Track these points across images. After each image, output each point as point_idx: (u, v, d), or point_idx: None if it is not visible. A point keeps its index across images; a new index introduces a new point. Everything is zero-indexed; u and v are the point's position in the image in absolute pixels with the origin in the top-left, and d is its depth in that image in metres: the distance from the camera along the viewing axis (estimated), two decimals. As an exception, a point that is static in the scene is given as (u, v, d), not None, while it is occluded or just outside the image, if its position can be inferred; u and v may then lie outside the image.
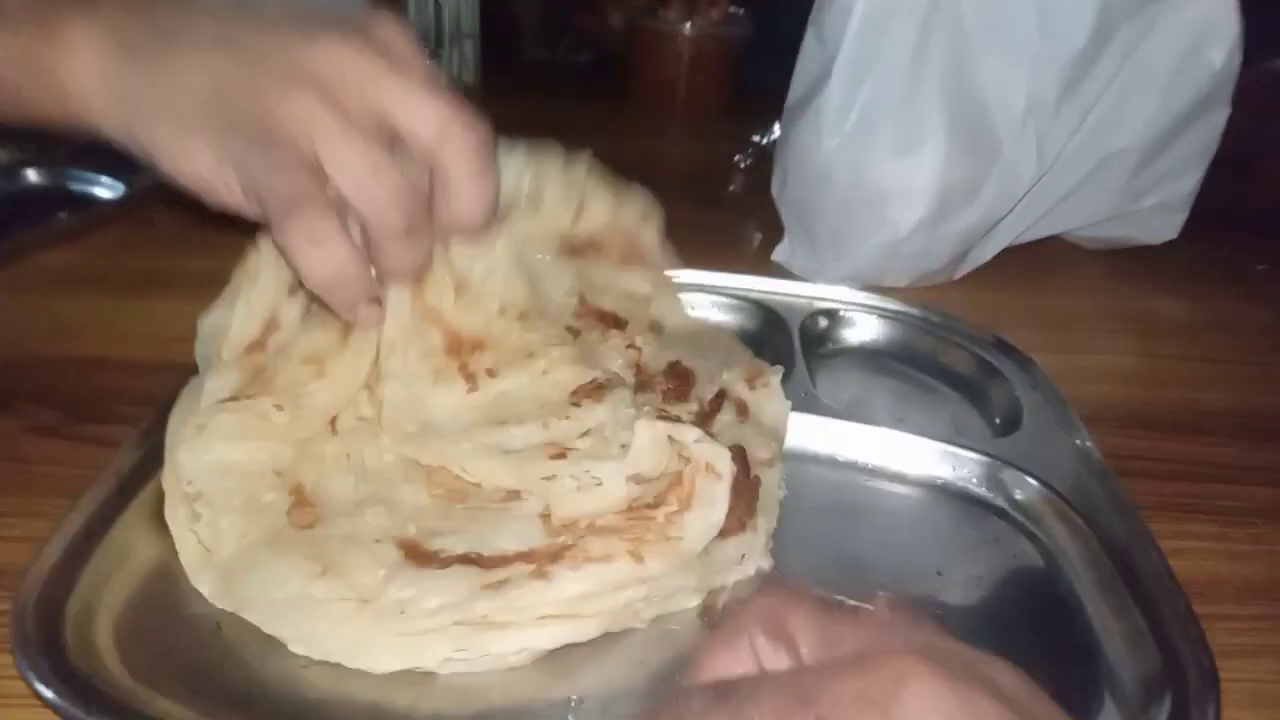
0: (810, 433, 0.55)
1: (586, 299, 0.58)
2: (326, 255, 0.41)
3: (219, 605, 0.40)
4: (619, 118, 1.26)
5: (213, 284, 0.63)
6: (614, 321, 0.57)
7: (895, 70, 0.69)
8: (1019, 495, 0.52)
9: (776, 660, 0.26)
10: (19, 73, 0.47)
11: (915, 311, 0.71)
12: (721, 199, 1.02)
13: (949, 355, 0.67)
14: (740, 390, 0.53)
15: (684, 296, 0.68)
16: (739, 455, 0.47)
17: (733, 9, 1.28)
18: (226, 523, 0.42)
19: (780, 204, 0.81)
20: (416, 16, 0.95)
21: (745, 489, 0.46)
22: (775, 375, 0.54)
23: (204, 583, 0.41)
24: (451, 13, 0.97)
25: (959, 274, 0.82)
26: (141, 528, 0.43)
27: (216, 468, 0.43)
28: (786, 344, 0.64)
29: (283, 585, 0.39)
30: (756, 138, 1.07)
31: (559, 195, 0.58)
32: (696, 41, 1.23)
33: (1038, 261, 0.85)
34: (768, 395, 0.53)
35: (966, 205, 0.74)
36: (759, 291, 0.71)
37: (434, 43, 0.96)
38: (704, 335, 0.61)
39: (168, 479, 0.44)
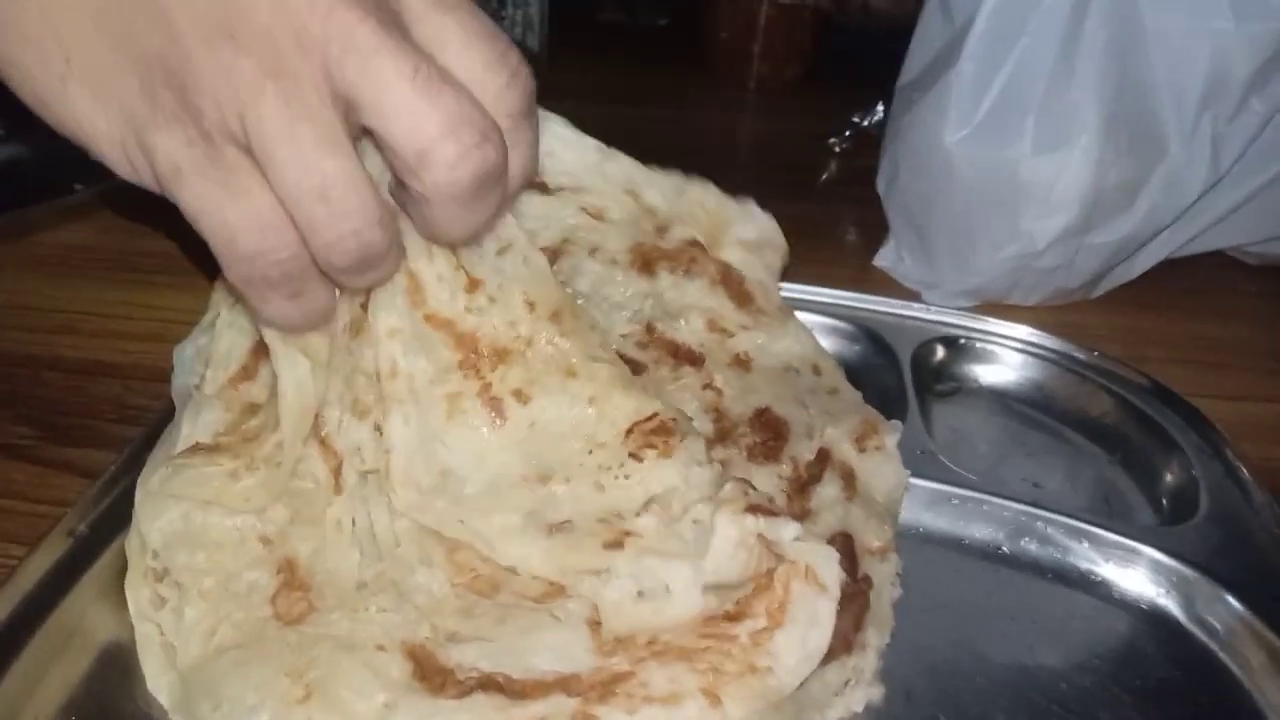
0: (928, 503, 0.42)
1: (655, 326, 0.44)
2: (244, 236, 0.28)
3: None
4: (693, 87, 1.10)
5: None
6: (689, 356, 0.43)
7: (1043, 48, 0.54)
8: (1200, 607, 0.38)
9: None
10: None
11: (1055, 345, 0.55)
12: (809, 188, 0.85)
13: (1098, 403, 0.52)
14: (846, 452, 0.40)
15: None
16: (845, 548, 0.35)
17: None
18: (193, 614, 0.31)
19: (887, 201, 0.67)
20: None
21: (854, 597, 0.34)
22: (891, 434, 0.41)
23: (163, 690, 0.30)
24: None
25: (1098, 292, 0.66)
26: (96, 604, 0.33)
27: (187, 536, 0.32)
28: (894, 381, 0.50)
29: (254, 711, 0.29)
30: (856, 118, 0.92)
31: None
32: (773, 11, 1.06)
33: (1188, 278, 0.68)
34: (881, 461, 0.40)
35: (1119, 214, 0.59)
36: (858, 308, 0.57)
37: (496, 2, 0.86)
38: (805, 370, 0.46)
39: (132, 545, 0.33)
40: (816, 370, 0.46)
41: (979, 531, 0.42)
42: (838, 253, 0.72)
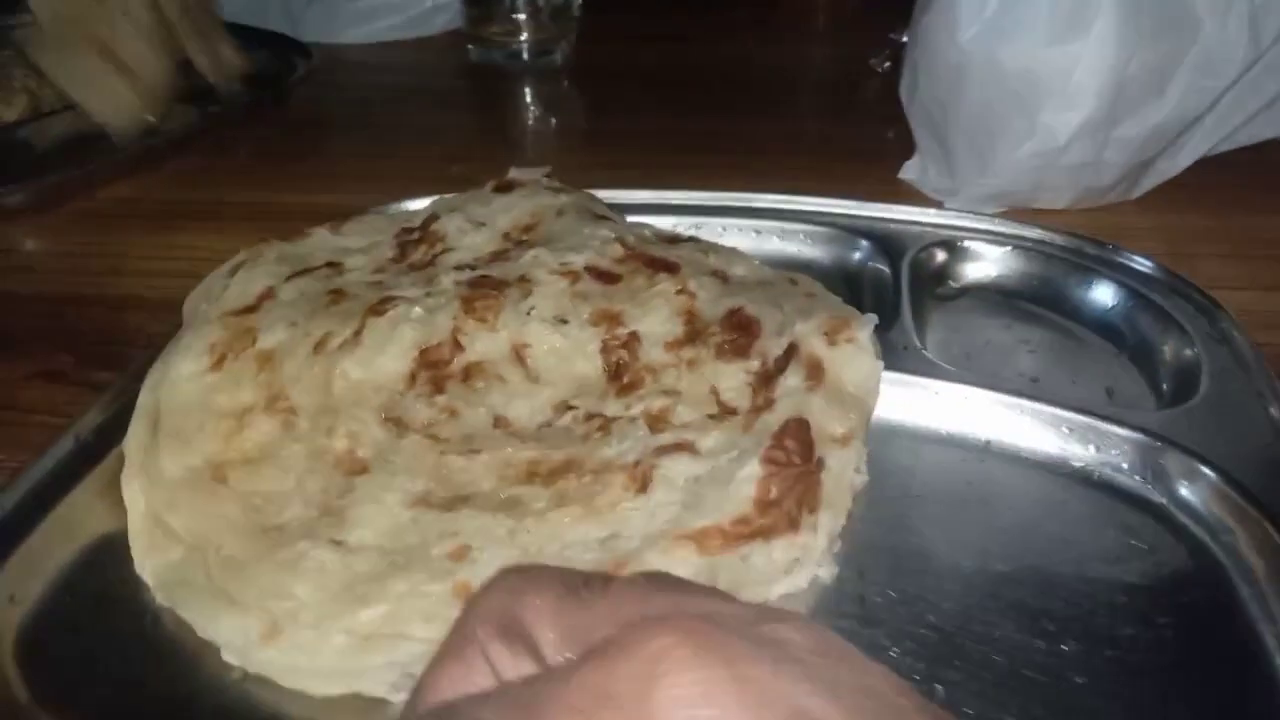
0: (909, 399, 0.38)
1: (630, 243, 0.43)
2: None
3: (160, 600, 0.31)
4: (745, 20, 1.03)
5: (264, 217, 0.57)
6: (665, 265, 0.41)
7: None
8: (1184, 489, 0.34)
9: (517, 667, 0.18)
10: None
11: (1060, 240, 0.49)
12: (851, 108, 0.79)
13: (1106, 296, 0.46)
14: (816, 345, 0.36)
15: (762, 224, 0.52)
16: (798, 432, 0.33)
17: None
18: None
19: (909, 112, 0.60)
20: None
21: (802, 477, 0.32)
22: (864, 328, 0.37)
23: (147, 571, 0.32)
24: None
25: (1138, 192, 0.58)
26: (97, 499, 0.34)
27: (188, 399, 0.35)
28: (892, 285, 0.45)
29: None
30: (894, 35, 0.80)
31: None
32: None
33: (1240, 172, 0.59)
34: (852, 353, 0.36)
35: (1147, 102, 0.50)
36: (858, 217, 0.52)
37: None
38: (780, 282, 0.43)
39: (129, 445, 0.35)
40: (792, 281, 0.43)
41: (964, 425, 0.38)
42: (866, 169, 0.65)
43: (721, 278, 0.43)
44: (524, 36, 0.85)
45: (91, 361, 0.44)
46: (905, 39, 0.81)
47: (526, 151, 0.73)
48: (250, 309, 0.40)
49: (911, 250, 0.48)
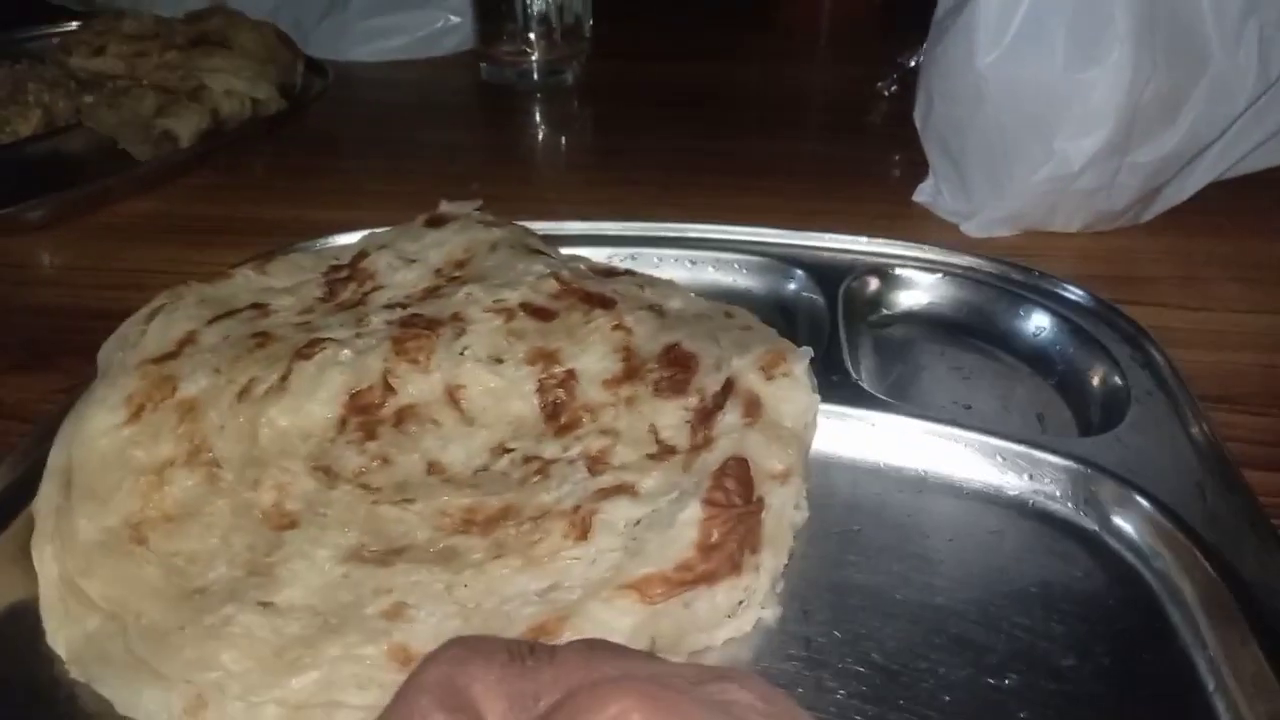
0: (845, 431, 0.45)
1: (565, 278, 0.50)
2: None
3: (75, 675, 0.36)
4: (750, 40, 1.18)
5: (282, 232, 0.67)
6: (601, 301, 0.48)
7: None
8: (1116, 516, 0.41)
9: None
10: None
11: (989, 267, 0.59)
12: (856, 130, 0.91)
13: (1035, 323, 0.55)
14: (753, 381, 0.43)
15: (697, 254, 0.61)
16: (739, 471, 0.39)
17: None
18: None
19: (924, 134, 0.71)
20: None
21: (744, 518, 0.37)
22: (799, 361, 0.44)
23: (60, 643, 0.37)
24: None
25: (1148, 216, 0.68)
26: (6, 566, 0.40)
27: (104, 455, 0.41)
28: (827, 314, 0.54)
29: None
30: (902, 60, 0.95)
31: None
32: None
33: (1246, 198, 0.69)
34: (788, 387, 0.43)
35: (1161, 130, 0.60)
36: (792, 246, 0.61)
37: None
38: (717, 315, 0.50)
39: (41, 499, 0.41)
40: (728, 314, 0.50)
41: (897, 455, 0.45)
42: (878, 191, 0.77)
43: (658, 311, 0.50)
44: (535, 56, 0.99)
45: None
46: (913, 63, 0.92)
47: (540, 170, 0.86)
48: (170, 356, 0.46)
49: (845, 279, 0.57)
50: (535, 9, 0.96)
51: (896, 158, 0.82)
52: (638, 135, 0.89)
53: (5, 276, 0.64)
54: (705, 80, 1.04)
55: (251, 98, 0.84)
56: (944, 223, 0.70)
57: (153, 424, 0.43)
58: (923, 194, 0.73)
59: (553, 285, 0.50)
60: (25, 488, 0.42)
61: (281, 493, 0.41)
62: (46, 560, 0.39)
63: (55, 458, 0.42)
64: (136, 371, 0.45)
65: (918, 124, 0.72)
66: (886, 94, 0.96)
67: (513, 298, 0.49)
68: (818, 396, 0.44)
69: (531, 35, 0.97)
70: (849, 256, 0.60)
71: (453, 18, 1.08)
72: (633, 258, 0.60)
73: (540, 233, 0.59)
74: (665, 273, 0.58)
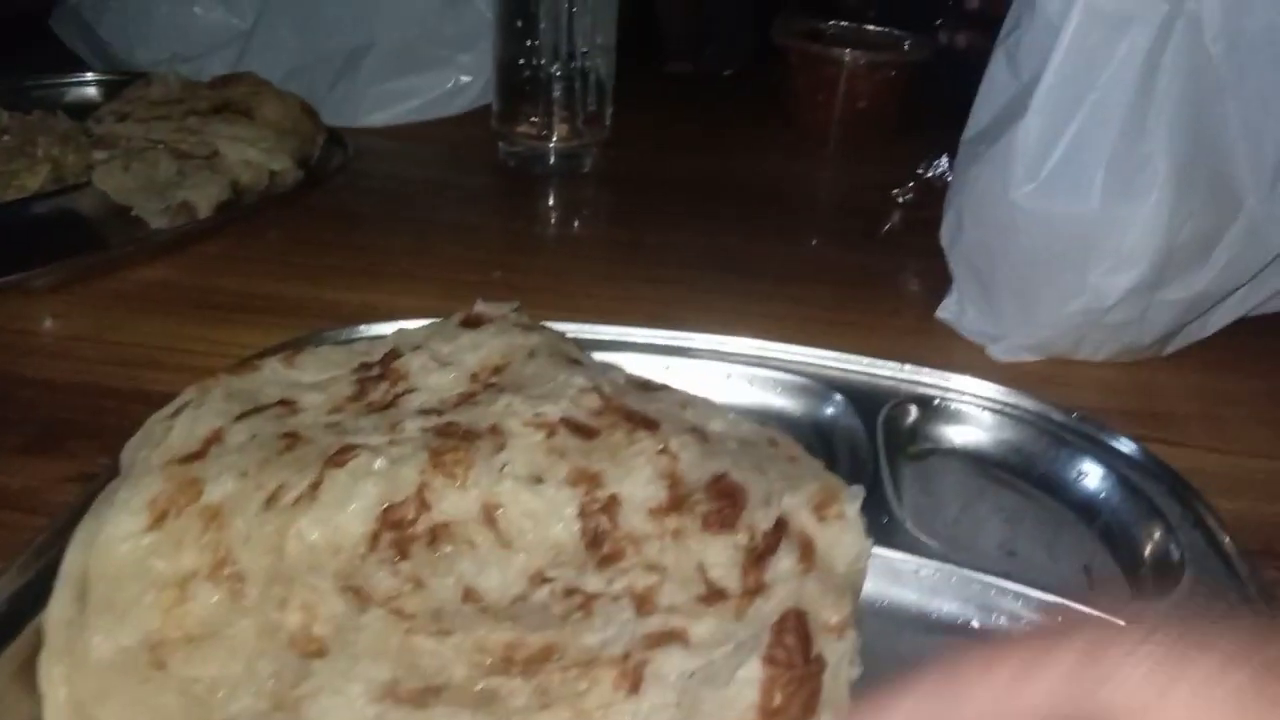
0: (891, 577, 0.44)
1: (607, 393, 0.49)
2: None
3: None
4: (758, 137, 1.19)
5: (303, 313, 0.67)
6: (644, 422, 0.47)
7: (1113, 102, 0.57)
8: None
9: None
10: None
11: (1032, 406, 0.58)
12: (872, 238, 0.91)
13: (1082, 472, 0.54)
14: (805, 521, 0.42)
15: (733, 369, 0.60)
16: (798, 627, 0.37)
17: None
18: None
19: (951, 254, 0.71)
20: (547, 25, 0.94)
21: (805, 680, 0.36)
22: (852, 502, 0.43)
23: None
24: (587, 24, 0.95)
25: (1170, 349, 0.69)
26: (10, 683, 0.37)
27: (123, 564, 0.38)
28: (865, 443, 0.53)
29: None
30: (920, 170, 0.97)
31: None
32: (855, 72, 1.12)
33: (1266, 335, 0.70)
34: (842, 530, 0.42)
35: (1193, 270, 0.61)
36: (828, 367, 0.60)
37: (565, 56, 0.95)
38: (761, 443, 0.49)
39: (53, 610, 0.38)
40: (773, 442, 0.49)
41: (947, 605, 0.44)
42: (898, 303, 0.78)
43: (700, 435, 0.49)
44: (554, 140, 0.98)
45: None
46: (930, 174, 0.93)
47: (561, 259, 0.85)
48: (196, 455, 0.44)
49: (885, 407, 0.56)
50: (558, 92, 0.96)
51: (915, 269, 0.83)
52: (659, 228, 0.88)
53: (11, 345, 0.62)
54: (722, 176, 1.04)
55: (269, 169, 0.83)
56: (967, 342, 0.70)
57: (175, 531, 0.41)
58: (946, 311, 0.73)
59: (595, 401, 0.48)
60: (34, 594, 0.39)
61: (309, 614, 0.39)
62: (55, 681, 0.36)
63: (71, 563, 0.39)
64: (161, 472, 0.42)
65: (944, 242, 0.72)
66: (901, 201, 0.96)
67: (553, 412, 0.47)
68: (870, 541, 0.42)
69: (553, 120, 0.97)
70: (889, 383, 0.59)
71: (464, 77, 1.09)
72: (666, 368, 0.59)
73: (572, 335, 0.58)
74: (700, 386, 0.57)
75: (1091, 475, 0.53)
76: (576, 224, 0.93)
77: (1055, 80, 0.59)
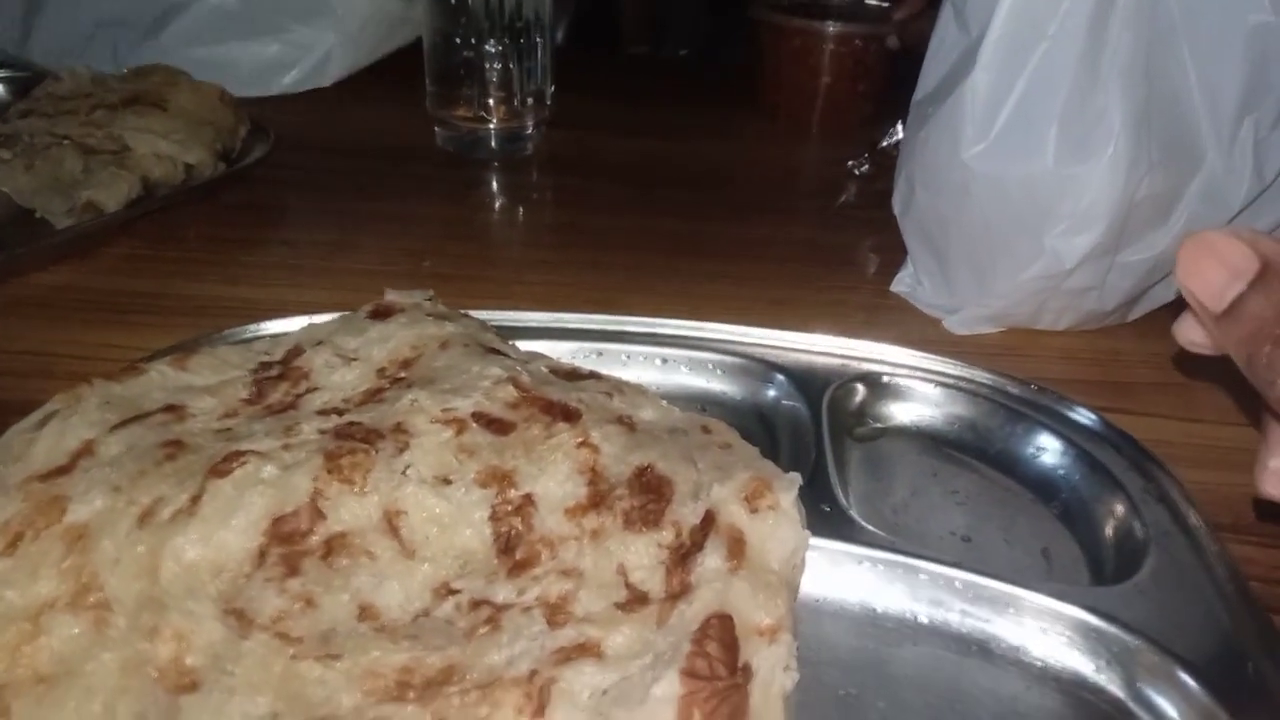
0: (833, 570, 0.41)
1: (525, 383, 0.45)
2: None
3: None
4: (722, 117, 1.15)
5: (214, 312, 0.63)
6: (564, 413, 0.43)
7: (1063, 54, 0.54)
8: (1145, 683, 0.36)
9: None
10: None
11: (990, 380, 0.54)
12: (825, 212, 0.88)
13: (1039, 447, 0.51)
14: (735, 514, 0.38)
15: (669, 352, 0.56)
16: (723, 634, 0.33)
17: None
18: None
19: (903, 223, 0.68)
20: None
21: (728, 693, 0.32)
22: (787, 491, 0.39)
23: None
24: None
25: (1134, 315, 0.66)
26: None
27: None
28: (811, 426, 0.49)
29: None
30: (877, 140, 0.93)
31: None
32: (831, 44, 1.06)
33: None
34: (775, 522, 0.38)
35: (1153, 230, 0.58)
36: (773, 347, 0.57)
37: (501, 31, 0.90)
38: (693, 430, 0.45)
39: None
40: (705, 429, 0.45)
41: (894, 599, 0.40)
42: (852, 279, 0.75)
43: (628, 425, 0.45)
44: (494, 123, 0.94)
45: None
46: (886, 143, 0.90)
47: (497, 247, 0.80)
48: (61, 471, 0.40)
49: (830, 387, 0.53)
50: (494, 74, 0.92)
51: (869, 243, 0.80)
52: (601, 213, 0.84)
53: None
54: (675, 158, 1.00)
55: (185, 162, 0.78)
56: (923, 316, 0.67)
57: (31, 557, 0.37)
58: (901, 284, 0.70)
59: (510, 392, 0.44)
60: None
61: (182, 644, 0.35)
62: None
63: (-90, 599, 0.35)
64: (19, 490, 0.38)
65: (896, 211, 0.69)
66: (857, 173, 0.93)
67: (464, 406, 0.43)
68: (808, 533, 0.39)
69: (490, 101, 0.93)
70: (834, 361, 0.56)
71: (294, 51, 1.06)
72: (599, 354, 0.56)
73: (497, 324, 0.54)
74: (635, 372, 0.54)
75: (1050, 450, 0.50)
76: (516, 209, 0.88)
77: (1003, 32, 0.55)
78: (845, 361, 0.55)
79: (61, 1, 1.04)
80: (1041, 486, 0.49)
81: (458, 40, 0.90)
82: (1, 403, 0.53)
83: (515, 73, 0.92)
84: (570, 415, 0.43)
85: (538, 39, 0.92)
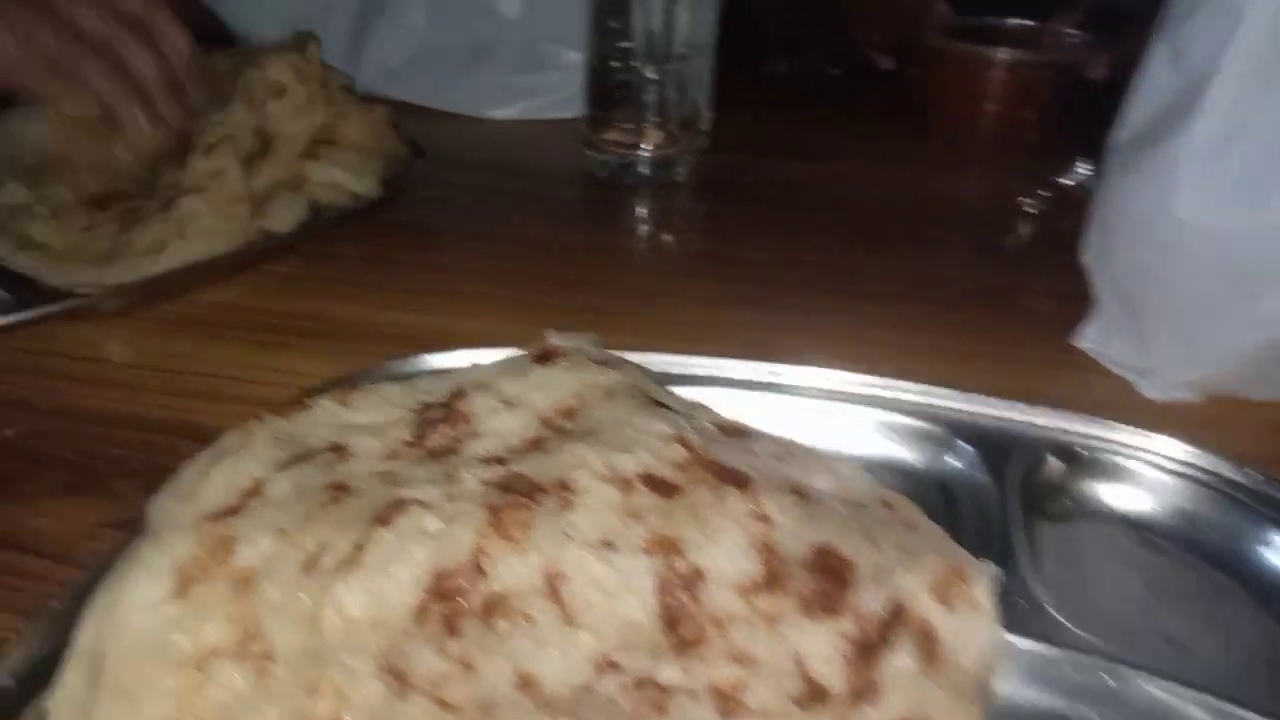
0: (1029, 674, 0.37)
1: (693, 443, 0.43)
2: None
3: None
4: (879, 141, 1.10)
5: (371, 337, 0.66)
6: (735, 478, 0.41)
7: None
8: None
9: None
10: None
11: (1206, 464, 0.49)
12: (1001, 253, 0.83)
13: (1260, 541, 0.46)
14: (926, 606, 0.35)
15: (839, 407, 0.53)
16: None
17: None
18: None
19: (1095, 274, 0.64)
20: (642, 25, 0.89)
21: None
22: (983, 584, 0.36)
23: None
24: (685, 23, 0.90)
25: None
26: None
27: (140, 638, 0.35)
28: (998, 504, 0.45)
29: None
30: (1059, 177, 0.88)
31: None
32: (1006, 71, 1.01)
33: None
34: (970, 618, 0.35)
35: None
36: (957, 410, 0.52)
37: (661, 57, 0.90)
38: (874, 505, 0.42)
39: (60, 695, 0.34)
40: (887, 504, 0.42)
41: (1101, 712, 0.36)
42: (1028, 328, 0.70)
43: (802, 494, 0.43)
44: (646, 147, 0.93)
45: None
46: (1072, 183, 0.85)
47: (650, 278, 0.79)
48: (230, 511, 0.41)
49: (1019, 458, 0.49)
50: (651, 97, 0.91)
51: (1045, 288, 0.75)
52: (756, 244, 0.82)
53: (68, 373, 0.60)
54: (828, 184, 0.97)
55: (352, 191, 0.81)
56: (1111, 376, 0.63)
57: (201, 600, 0.37)
58: (1088, 339, 0.65)
59: (678, 452, 0.43)
60: (46, 669, 0.36)
61: (340, 701, 0.35)
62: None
63: (84, 636, 0.36)
64: (191, 531, 0.39)
65: (1087, 261, 0.64)
66: (1031, 210, 0.88)
67: (630, 465, 0.42)
68: (1004, 633, 0.36)
69: (647, 127, 0.92)
70: (1022, 427, 0.52)
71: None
72: (763, 407, 0.53)
73: (657, 369, 0.53)
74: (801, 429, 0.51)
75: (1277, 549, 0.45)
76: (668, 239, 0.87)
77: (1232, 74, 0.51)
78: (1036, 428, 0.51)
79: (390, 29, 1.10)
80: (1267, 588, 0.44)
81: (617, 64, 0.91)
82: (169, 424, 0.55)
83: (674, 99, 0.91)
84: (741, 481, 0.41)
85: (700, 66, 0.91)
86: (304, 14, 1.04)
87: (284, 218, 0.75)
